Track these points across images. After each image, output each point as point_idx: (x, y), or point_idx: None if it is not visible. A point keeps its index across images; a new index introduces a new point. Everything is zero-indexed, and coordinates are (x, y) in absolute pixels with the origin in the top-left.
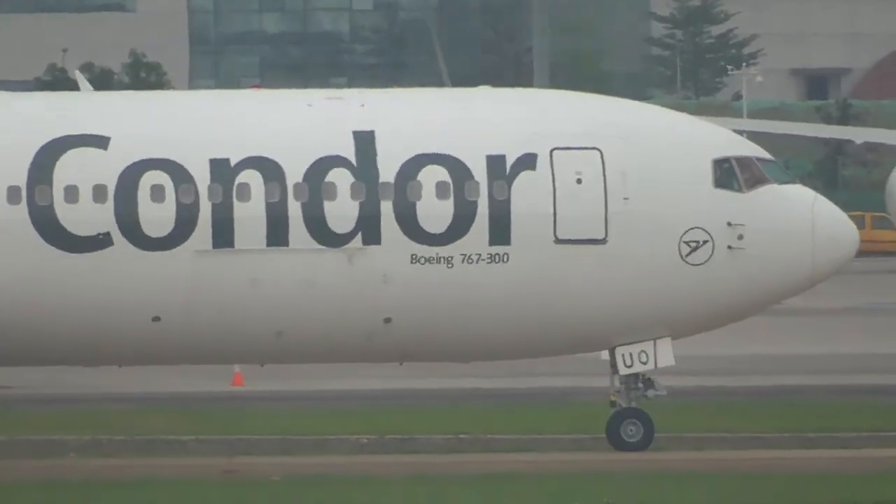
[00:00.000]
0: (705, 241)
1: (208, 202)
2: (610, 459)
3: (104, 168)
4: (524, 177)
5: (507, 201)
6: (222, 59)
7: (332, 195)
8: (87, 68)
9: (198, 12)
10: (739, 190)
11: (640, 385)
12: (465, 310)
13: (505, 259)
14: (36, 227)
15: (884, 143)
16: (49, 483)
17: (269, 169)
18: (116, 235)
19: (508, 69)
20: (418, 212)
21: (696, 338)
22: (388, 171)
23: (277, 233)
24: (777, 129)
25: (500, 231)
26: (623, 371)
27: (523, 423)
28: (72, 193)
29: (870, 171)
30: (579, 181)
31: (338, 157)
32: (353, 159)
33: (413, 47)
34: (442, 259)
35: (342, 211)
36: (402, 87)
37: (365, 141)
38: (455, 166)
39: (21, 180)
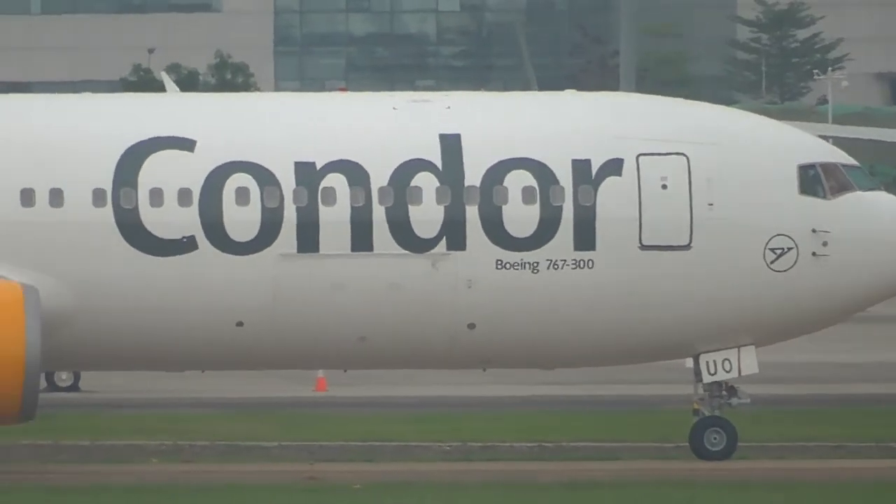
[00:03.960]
0: (790, 248)
1: (293, 206)
2: (692, 468)
3: (189, 171)
4: (610, 182)
5: (593, 206)
6: (308, 60)
7: (418, 199)
8: (173, 69)
9: (284, 12)
10: (824, 196)
11: (724, 393)
12: (550, 316)
13: (590, 265)
14: (120, 230)
15: None
16: (130, 488)
17: (355, 173)
18: (201, 239)
19: (595, 72)
20: (504, 217)
21: (779, 345)
22: (473, 175)
23: (362, 237)
24: (862, 134)
25: (586, 236)
26: (707, 379)
27: (606, 431)
28: (157, 196)
29: None
30: (665, 187)
31: (423, 160)
32: (438, 163)
33: (500, 49)
34: (527, 264)
35: (427, 215)
36: (488, 90)
37: (451, 144)
38: (541, 171)
39: (106, 183)
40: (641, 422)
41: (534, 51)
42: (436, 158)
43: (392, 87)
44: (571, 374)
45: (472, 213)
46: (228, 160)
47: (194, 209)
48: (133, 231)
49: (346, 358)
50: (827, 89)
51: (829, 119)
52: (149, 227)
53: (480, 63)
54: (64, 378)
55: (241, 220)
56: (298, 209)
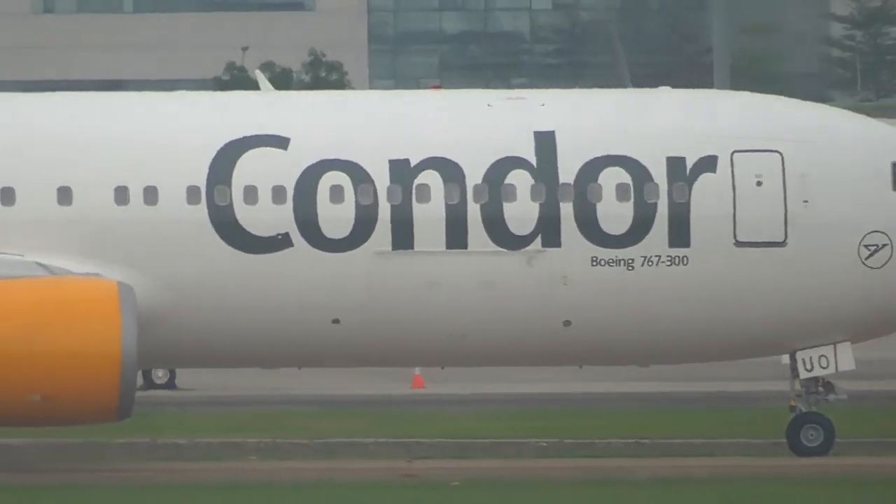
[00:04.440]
0: (884, 245)
1: (387, 203)
2: (788, 464)
3: (284, 168)
4: (704, 179)
5: (687, 203)
6: (401, 58)
7: (512, 197)
8: (267, 67)
9: (377, 11)
10: None
11: (821, 389)
12: (645, 312)
13: (685, 261)
14: (215, 228)
15: None
16: (227, 485)
17: (449, 170)
18: (296, 236)
19: (688, 70)
20: (598, 214)
21: (876, 341)
22: (567, 173)
23: (457, 235)
24: None
25: (680, 233)
26: (803, 375)
27: (701, 428)
28: (251, 194)
29: None
30: (759, 183)
31: (518, 157)
32: (532, 160)
33: (593, 47)
34: (622, 261)
35: (522, 212)
36: (582, 88)
37: (545, 142)
38: (635, 168)
39: (201, 180)
40: (737, 418)
41: (627, 48)
42: (530, 156)
43: (486, 84)
44: (667, 371)
45: (566, 210)
46: (322, 158)
47: (289, 206)
48: (228, 228)
49: (443, 355)
50: None
51: None
52: (243, 225)
53: (574, 60)
54: (160, 376)
55: (336, 218)
56: (393, 207)
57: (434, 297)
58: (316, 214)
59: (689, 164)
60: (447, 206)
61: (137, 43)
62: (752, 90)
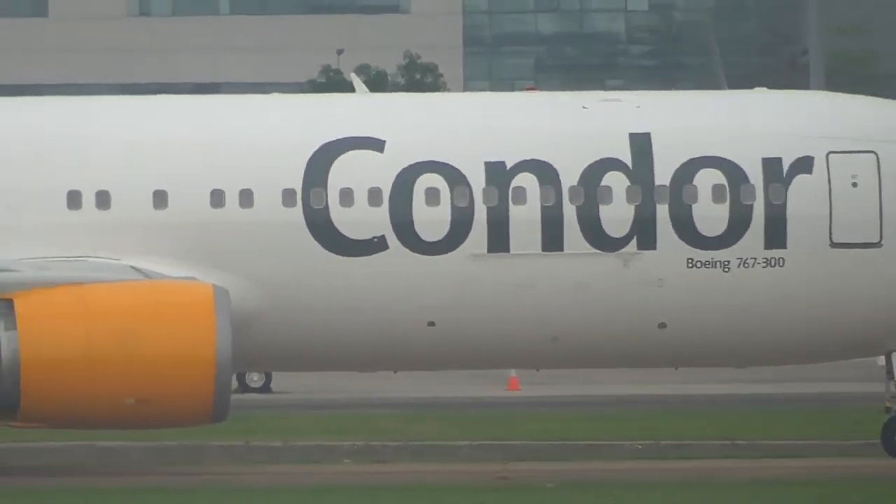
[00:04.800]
0: None
1: (483, 206)
2: (883, 465)
3: (379, 171)
4: (800, 180)
5: (784, 205)
6: (496, 60)
7: (608, 199)
8: (362, 70)
9: (472, 13)
10: None
11: None
12: (741, 314)
13: (781, 263)
14: (310, 231)
15: None
16: (321, 488)
17: (545, 172)
18: (391, 239)
19: (784, 71)
20: (694, 215)
21: None
22: (663, 175)
23: (552, 237)
24: None
25: (777, 235)
26: None
27: (797, 429)
28: (347, 196)
29: None
30: (855, 185)
31: (613, 159)
32: (628, 162)
33: (689, 48)
34: (718, 263)
35: (617, 214)
36: (677, 89)
37: (641, 143)
38: (731, 169)
39: (296, 183)
40: (832, 420)
41: (723, 49)
42: (626, 157)
43: (581, 86)
44: (762, 372)
45: (662, 212)
46: (418, 160)
47: (384, 209)
48: (323, 231)
49: (538, 357)
50: None
51: None
52: (339, 228)
53: (669, 62)
54: (255, 379)
55: (432, 220)
56: (489, 209)
57: (529, 299)
58: (412, 217)
59: (786, 165)
60: (543, 209)
61: (233, 45)
62: (847, 91)
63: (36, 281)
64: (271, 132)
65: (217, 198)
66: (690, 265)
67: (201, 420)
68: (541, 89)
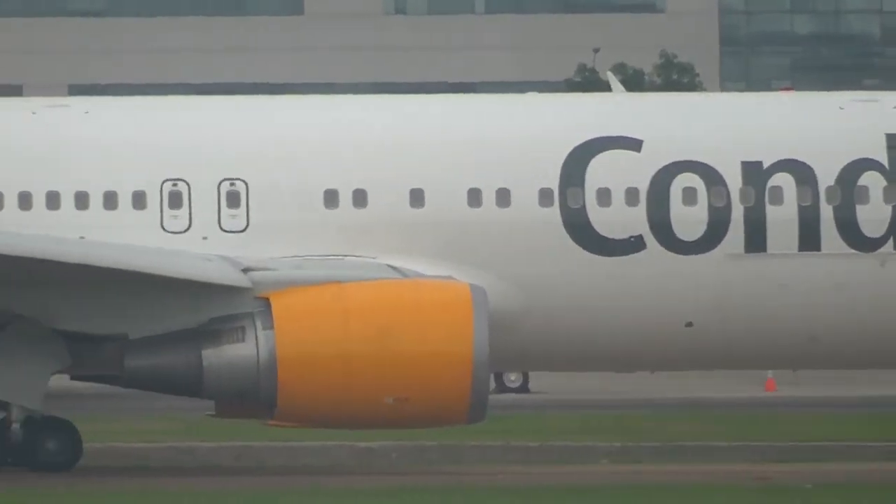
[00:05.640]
0: None
1: (740, 205)
2: None
3: (636, 170)
4: None
5: None
6: (753, 60)
7: (865, 199)
8: (618, 69)
9: (729, 12)
10: None
11: None
12: None
13: None
14: (567, 230)
15: None
16: (578, 488)
17: (801, 172)
18: (649, 239)
19: None
20: None
21: None
22: None
23: (809, 237)
24: None
25: None
26: None
27: None
28: (604, 196)
29: None
30: None
31: (870, 159)
32: (885, 162)
33: None
34: None
35: (875, 215)
36: None
37: None
38: None
39: (553, 182)
40: None
41: None
42: (882, 158)
43: (837, 86)
44: None
45: None
46: (675, 160)
47: (642, 209)
48: (580, 231)
49: (795, 357)
50: None
51: None
52: (596, 227)
53: None
54: (513, 379)
55: (689, 220)
56: (746, 209)
57: (786, 299)
58: (669, 216)
59: None
60: (800, 208)
61: (488, 44)
62: None
63: (293, 279)
64: (527, 131)
65: (474, 197)
66: None
67: (458, 419)
68: (797, 89)
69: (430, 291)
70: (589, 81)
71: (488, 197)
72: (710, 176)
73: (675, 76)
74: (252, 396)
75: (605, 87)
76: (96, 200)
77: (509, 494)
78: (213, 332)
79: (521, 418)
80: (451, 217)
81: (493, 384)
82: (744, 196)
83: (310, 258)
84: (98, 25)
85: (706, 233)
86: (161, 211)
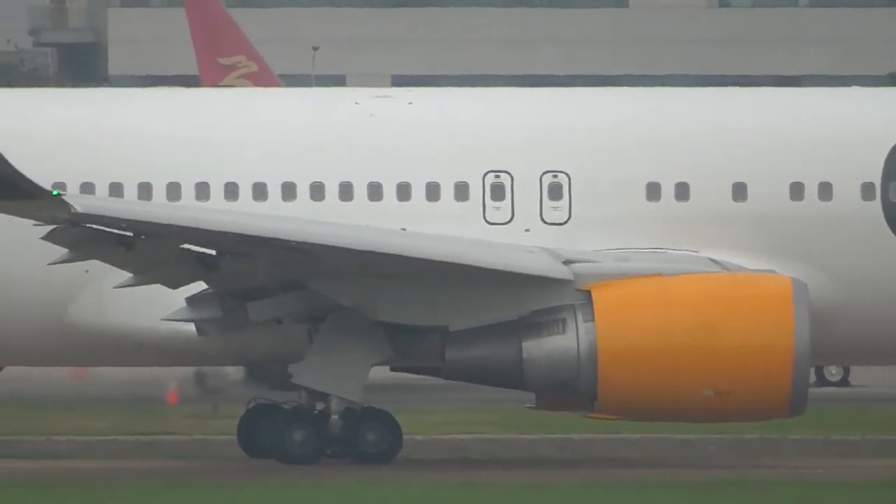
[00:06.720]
0: None
1: None
2: None
3: None
4: None
5: None
6: None
7: None
8: None
9: None
10: None
11: None
12: None
13: None
14: (889, 225)
15: None
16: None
17: None
18: None
19: None
20: None
21: None
22: None
23: None
24: None
25: None
26: None
27: None
28: None
29: None
30: None
31: None
32: None
33: None
34: None
35: None
36: None
37: None
38: None
39: (875, 177)
40: None
41: None
42: None
43: None
44: None
45: None
46: None
47: None
48: None
49: None
50: None
51: None
52: None
53: None
54: (833, 373)
55: None
56: None
57: None
58: None
59: None
60: None
61: (812, 38)
62: None
63: (615, 272)
64: (850, 125)
65: (796, 190)
66: None
67: (778, 413)
68: None
69: (752, 285)
70: None
71: (810, 190)
72: None
73: None
74: (572, 388)
75: None
76: (418, 191)
77: (830, 488)
78: (534, 324)
79: (842, 412)
80: (773, 211)
81: (813, 378)
82: None
83: (632, 251)
84: (421, 15)
85: None
86: (483, 202)
